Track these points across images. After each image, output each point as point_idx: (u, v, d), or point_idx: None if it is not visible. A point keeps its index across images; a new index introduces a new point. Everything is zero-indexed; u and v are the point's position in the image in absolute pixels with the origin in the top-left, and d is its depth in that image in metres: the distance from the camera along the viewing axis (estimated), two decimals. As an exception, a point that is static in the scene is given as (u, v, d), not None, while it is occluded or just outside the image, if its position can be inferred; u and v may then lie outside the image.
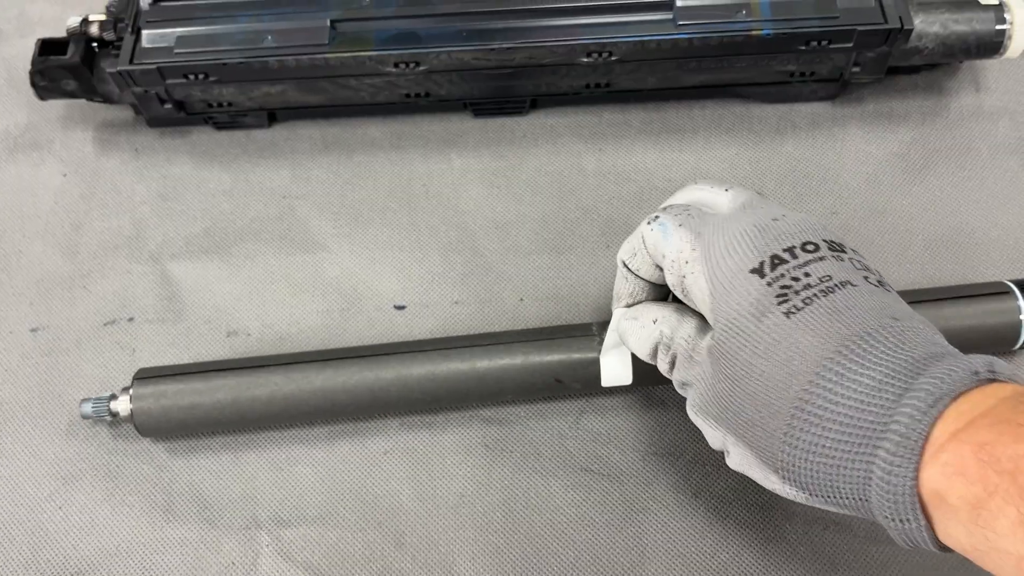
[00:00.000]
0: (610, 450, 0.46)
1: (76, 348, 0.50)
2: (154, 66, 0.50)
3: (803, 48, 0.50)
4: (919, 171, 0.53)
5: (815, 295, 0.33)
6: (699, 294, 0.36)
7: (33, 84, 0.53)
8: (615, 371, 0.44)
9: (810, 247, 0.35)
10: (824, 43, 0.49)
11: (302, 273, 0.52)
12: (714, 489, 0.45)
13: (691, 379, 0.37)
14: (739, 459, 0.36)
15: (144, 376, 0.46)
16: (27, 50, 0.54)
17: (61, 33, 0.53)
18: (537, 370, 0.45)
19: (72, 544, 0.45)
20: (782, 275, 0.34)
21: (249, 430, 0.47)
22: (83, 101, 0.56)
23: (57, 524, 0.46)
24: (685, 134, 0.55)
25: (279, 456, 0.47)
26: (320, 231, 0.53)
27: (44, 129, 0.57)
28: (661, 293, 0.42)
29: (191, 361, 0.49)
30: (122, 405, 0.45)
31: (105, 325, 0.51)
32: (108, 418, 0.45)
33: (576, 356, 0.44)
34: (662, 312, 0.39)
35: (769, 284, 0.34)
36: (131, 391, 0.45)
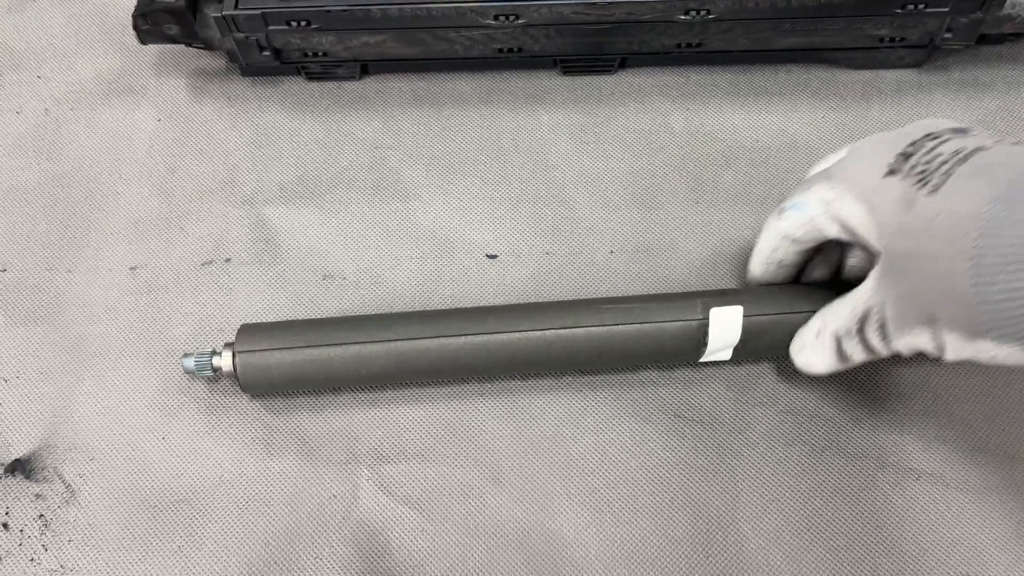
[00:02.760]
0: (702, 398, 0.47)
1: (175, 286, 0.51)
2: (259, 12, 0.51)
3: (899, 11, 0.50)
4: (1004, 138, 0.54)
5: (952, 167, 0.35)
6: (857, 218, 0.38)
7: (136, 28, 0.53)
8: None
9: (932, 137, 0.37)
10: (920, 6, 0.50)
11: (395, 221, 0.53)
12: (807, 438, 0.46)
13: (882, 316, 0.38)
14: (954, 345, 0.35)
15: (247, 332, 0.45)
16: (119, -4, 0.55)
17: (158, -19, 0.54)
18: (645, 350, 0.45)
19: (174, 474, 0.46)
20: (913, 166, 0.36)
21: (353, 388, 0.48)
22: (176, 48, 0.57)
23: (159, 454, 0.47)
24: (772, 96, 0.56)
25: (378, 395, 0.48)
26: (412, 181, 0.54)
27: (138, 75, 0.58)
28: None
29: (288, 302, 0.50)
30: (225, 362, 0.45)
31: (202, 265, 0.52)
32: (210, 373, 0.46)
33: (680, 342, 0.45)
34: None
35: (905, 177, 0.36)
36: (234, 347, 0.45)
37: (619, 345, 0.44)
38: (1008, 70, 0.56)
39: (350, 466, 0.46)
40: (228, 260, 0.52)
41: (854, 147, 0.41)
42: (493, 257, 0.52)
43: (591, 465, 0.46)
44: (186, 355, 0.46)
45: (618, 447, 0.46)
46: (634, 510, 0.45)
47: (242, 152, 0.55)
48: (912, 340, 0.37)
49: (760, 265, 0.46)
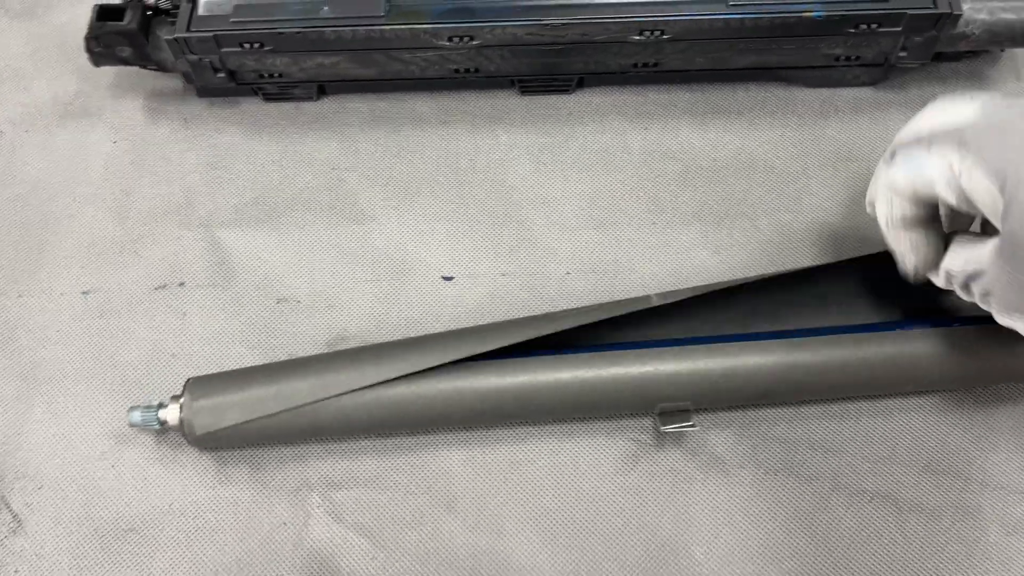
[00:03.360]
0: (650, 421, 0.47)
1: (128, 311, 0.51)
2: (211, 34, 0.51)
3: (853, 31, 0.51)
4: (961, 156, 0.54)
5: None
6: (984, 195, 0.36)
7: (88, 50, 0.53)
8: None
9: None
10: (874, 26, 0.50)
11: (351, 243, 0.52)
12: (760, 460, 0.46)
13: (989, 287, 0.38)
14: None
15: (196, 386, 0.44)
16: (78, 18, 0.55)
17: (114, 2, 0.54)
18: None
19: (124, 502, 0.46)
20: None
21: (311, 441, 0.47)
22: (132, 70, 0.57)
23: (110, 482, 0.46)
24: (730, 115, 0.56)
25: (330, 420, 0.47)
26: (369, 202, 0.54)
27: (94, 97, 0.58)
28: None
29: (242, 326, 0.50)
30: (171, 415, 0.44)
31: (156, 289, 0.51)
32: (157, 427, 0.45)
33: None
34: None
35: None
36: (182, 400, 0.44)
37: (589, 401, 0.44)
38: (966, 87, 0.56)
39: (301, 493, 0.46)
40: (182, 284, 0.51)
41: (992, 109, 0.37)
42: (449, 279, 0.51)
43: (545, 489, 0.46)
44: (132, 407, 0.45)
45: (572, 471, 0.46)
46: (587, 534, 0.45)
47: (198, 174, 0.55)
48: (1011, 323, 0.38)
49: (887, 230, 0.42)
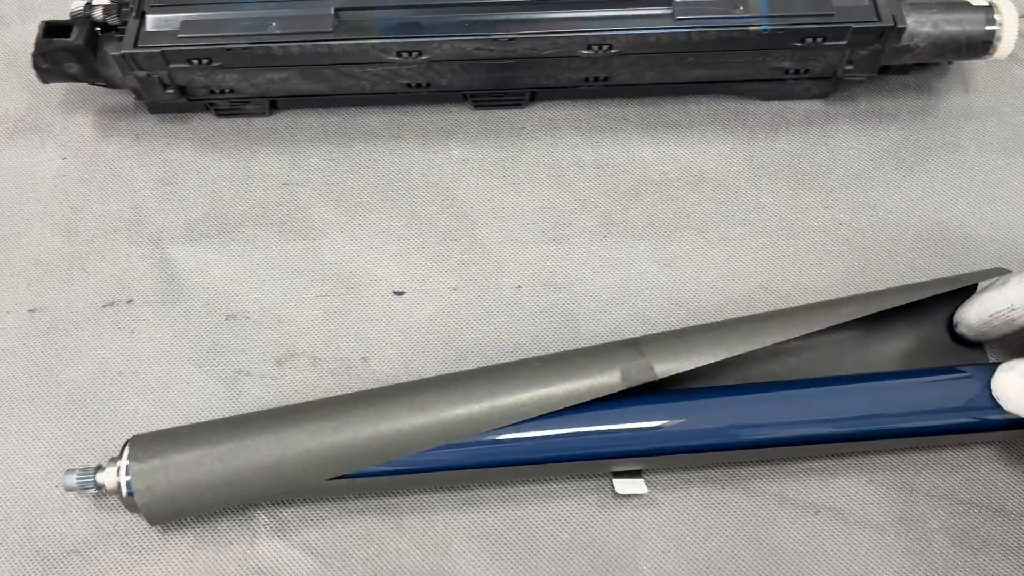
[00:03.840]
0: (606, 435, 0.47)
1: (75, 329, 0.50)
2: (158, 50, 0.51)
3: (798, 44, 0.51)
4: (909, 168, 0.54)
5: None
6: None
7: (36, 66, 0.53)
8: None
9: None
10: (819, 40, 0.51)
11: (302, 259, 0.52)
12: (708, 474, 0.46)
13: None
14: None
15: (139, 448, 0.42)
16: (28, 35, 0.54)
17: (60, 15, 0.53)
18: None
19: (68, 523, 0.45)
20: None
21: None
22: (83, 86, 0.57)
23: (54, 503, 0.46)
24: (681, 128, 0.56)
25: (277, 437, 0.47)
26: (320, 218, 0.54)
27: (44, 113, 0.58)
28: None
29: (190, 344, 0.49)
30: (108, 478, 0.42)
31: (104, 307, 0.51)
32: (94, 491, 0.43)
33: None
34: None
35: None
36: (120, 463, 0.42)
37: None
38: (913, 99, 0.57)
39: (247, 511, 0.45)
40: (131, 301, 0.51)
41: None
42: (400, 294, 0.51)
43: (492, 506, 0.46)
44: (68, 471, 0.43)
45: (519, 487, 0.46)
46: (533, 550, 0.44)
47: (148, 190, 0.55)
48: None
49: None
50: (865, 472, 0.46)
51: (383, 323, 0.50)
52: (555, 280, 0.51)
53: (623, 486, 0.44)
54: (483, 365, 0.45)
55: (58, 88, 0.58)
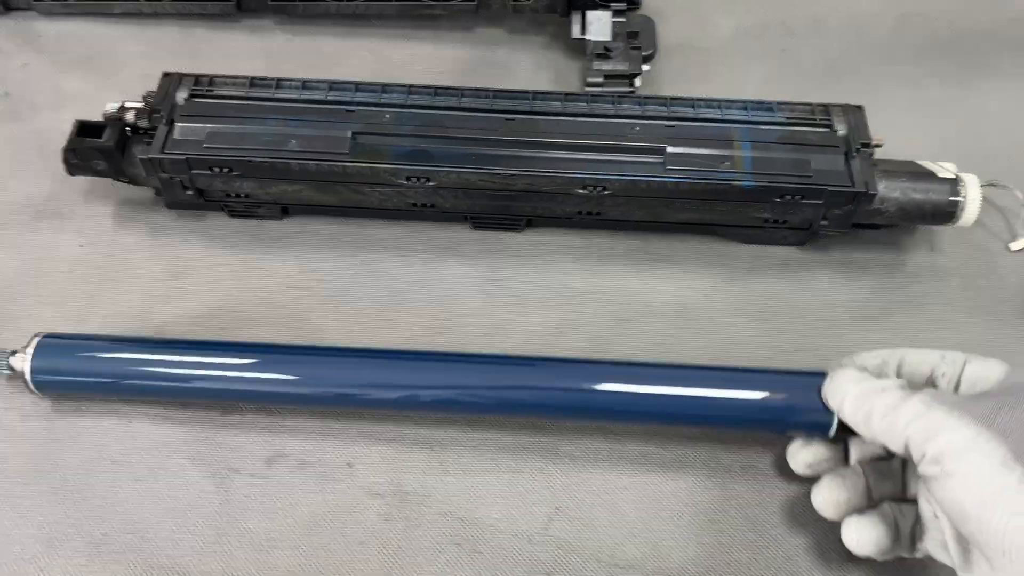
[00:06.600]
0: (571, 448, 0.49)
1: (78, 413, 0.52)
2: (183, 157, 0.54)
3: (778, 200, 0.55)
4: (876, 319, 0.58)
5: None
6: (966, 505, 0.33)
7: (65, 160, 0.56)
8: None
9: None
10: (797, 197, 0.55)
11: (299, 361, 0.55)
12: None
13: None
14: None
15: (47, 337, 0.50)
16: (59, 123, 0.58)
17: (92, 108, 0.56)
18: None
19: None
20: None
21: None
22: (107, 179, 0.60)
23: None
24: (667, 264, 0.60)
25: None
26: (320, 325, 0.56)
27: (67, 200, 0.61)
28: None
29: (185, 436, 0.52)
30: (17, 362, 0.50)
31: (106, 394, 0.53)
32: (7, 372, 0.50)
33: None
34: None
35: None
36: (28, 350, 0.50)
37: None
38: (883, 253, 0.60)
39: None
40: (132, 391, 0.53)
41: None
42: (390, 403, 0.54)
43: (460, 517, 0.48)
44: None
45: (488, 491, 0.49)
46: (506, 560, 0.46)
47: (160, 283, 0.58)
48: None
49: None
50: None
51: (372, 430, 0.53)
52: (538, 401, 0.54)
53: None
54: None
55: (82, 178, 0.61)
